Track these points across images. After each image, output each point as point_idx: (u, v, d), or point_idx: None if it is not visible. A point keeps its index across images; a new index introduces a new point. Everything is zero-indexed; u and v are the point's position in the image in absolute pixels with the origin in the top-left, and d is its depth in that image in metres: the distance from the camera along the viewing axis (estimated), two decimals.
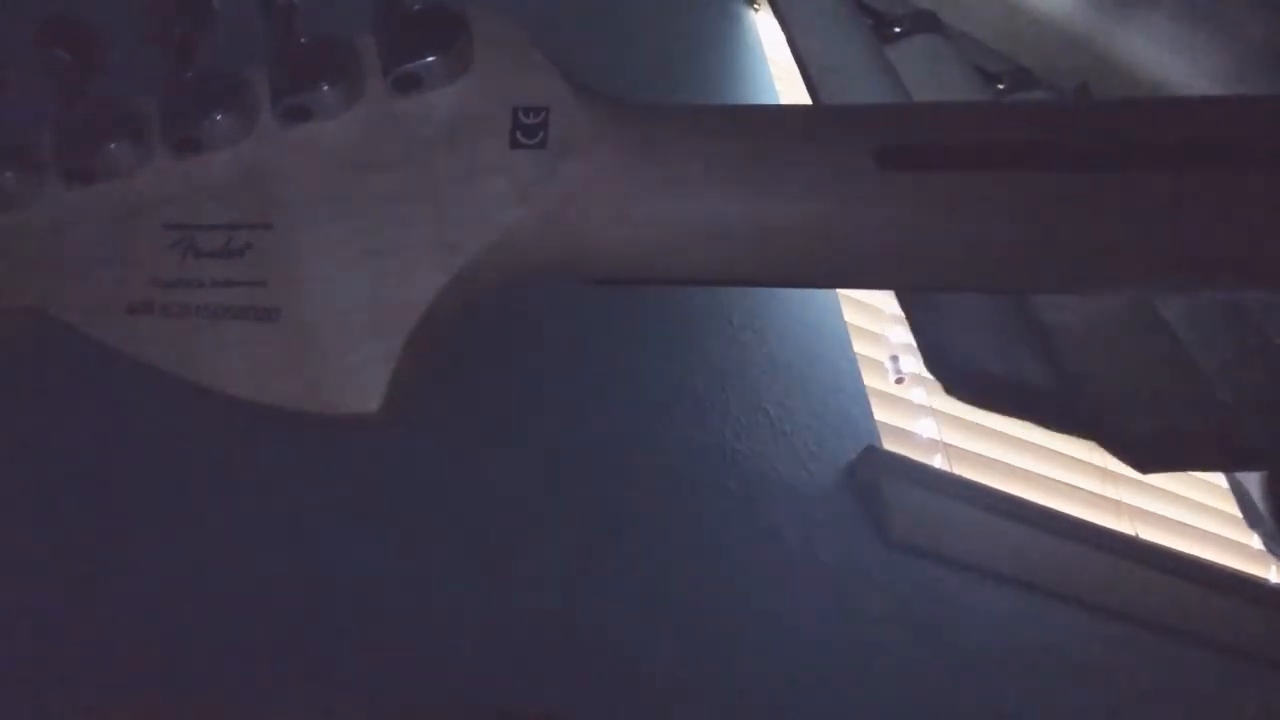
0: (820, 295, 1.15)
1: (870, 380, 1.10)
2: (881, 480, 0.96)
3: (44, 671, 0.56)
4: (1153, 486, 1.27)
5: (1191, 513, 1.28)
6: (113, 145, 0.25)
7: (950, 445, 1.12)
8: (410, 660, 0.66)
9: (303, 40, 0.25)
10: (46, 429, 0.64)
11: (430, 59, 0.24)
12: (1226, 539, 1.27)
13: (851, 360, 1.10)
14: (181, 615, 0.61)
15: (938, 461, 1.09)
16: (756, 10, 1.43)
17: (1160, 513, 1.25)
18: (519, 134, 0.24)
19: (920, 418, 1.13)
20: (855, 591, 0.89)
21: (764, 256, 0.24)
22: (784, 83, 1.36)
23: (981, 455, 1.14)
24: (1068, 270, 0.24)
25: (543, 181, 0.24)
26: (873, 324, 1.19)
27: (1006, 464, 1.15)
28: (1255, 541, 1.26)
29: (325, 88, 0.25)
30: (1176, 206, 0.22)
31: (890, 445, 1.04)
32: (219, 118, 0.25)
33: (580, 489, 0.81)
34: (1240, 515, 1.27)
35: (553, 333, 0.89)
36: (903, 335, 1.21)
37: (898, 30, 1.18)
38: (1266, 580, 1.24)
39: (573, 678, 0.71)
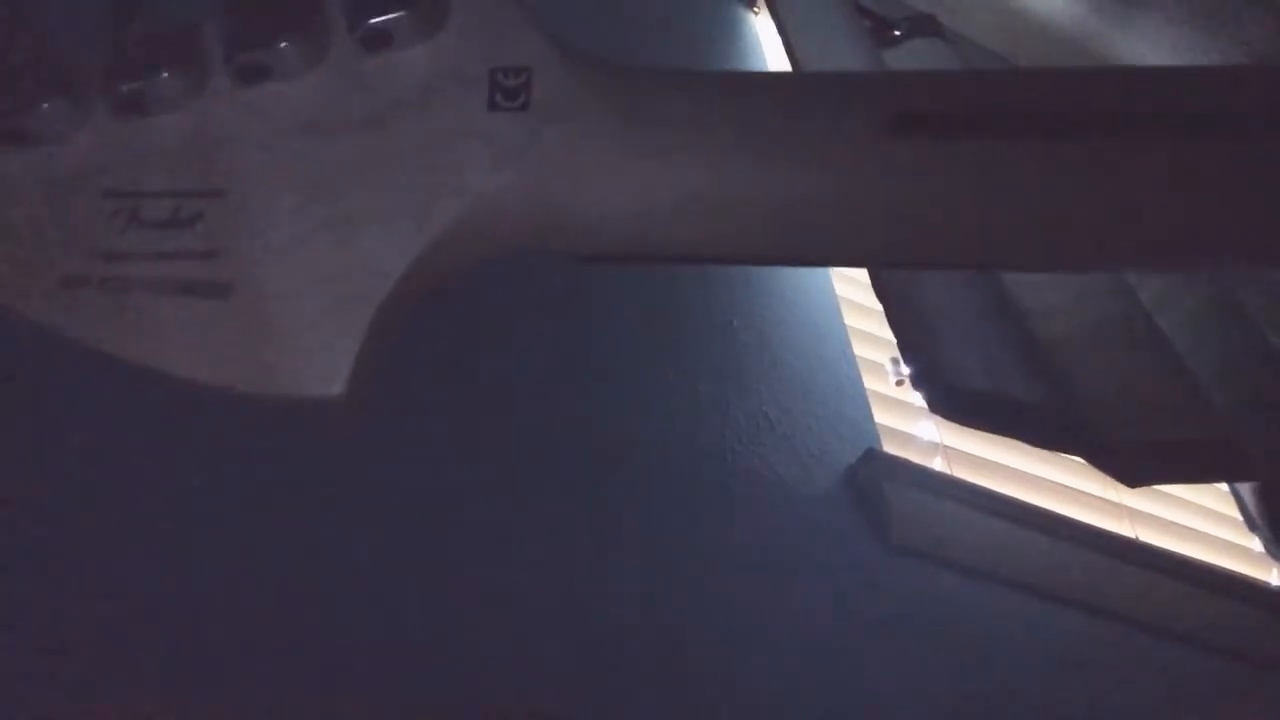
0: (821, 296, 1.15)
1: (870, 382, 1.10)
2: (882, 482, 0.96)
3: (45, 671, 0.56)
4: (1154, 489, 1.27)
5: (1193, 516, 1.28)
6: (46, 105, 0.23)
7: (950, 448, 1.12)
8: (411, 661, 0.66)
9: None
10: (47, 429, 0.64)
11: (401, 13, 0.22)
12: (1228, 542, 1.26)
13: (852, 362, 1.10)
14: (182, 615, 0.61)
15: (938, 464, 1.09)
16: (756, 13, 1.44)
17: (1161, 516, 1.24)
18: (498, 96, 0.22)
19: (920, 420, 1.13)
20: (855, 593, 0.89)
21: (762, 230, 0.22)
22: None
23: (981, 458, 1.14)
24: (1080, 242, 0.22)
25: (524, 147, 0.22)
26: (873, 326, 1.19)
27: (1006, 467, 1.15)
28: (1256, 545, 1.26)
29: (284, 44, 0.22)
30: (1191, 176, 0.21)
31: (890, 448, 1.04)
32: (165, 76, 0.23)
33: (580, 489, 0.81)
34: (1241, 519, 1.27)
35: (554, 332, 0.90)
36: None
37: (897, 33, 1.18)
38: (1268, 583, 1.24)
39: (573, 678, 0.71)
